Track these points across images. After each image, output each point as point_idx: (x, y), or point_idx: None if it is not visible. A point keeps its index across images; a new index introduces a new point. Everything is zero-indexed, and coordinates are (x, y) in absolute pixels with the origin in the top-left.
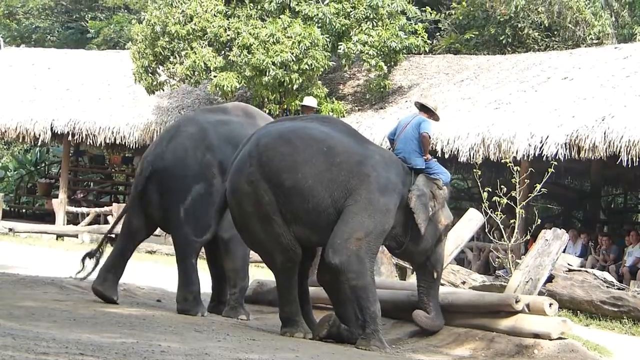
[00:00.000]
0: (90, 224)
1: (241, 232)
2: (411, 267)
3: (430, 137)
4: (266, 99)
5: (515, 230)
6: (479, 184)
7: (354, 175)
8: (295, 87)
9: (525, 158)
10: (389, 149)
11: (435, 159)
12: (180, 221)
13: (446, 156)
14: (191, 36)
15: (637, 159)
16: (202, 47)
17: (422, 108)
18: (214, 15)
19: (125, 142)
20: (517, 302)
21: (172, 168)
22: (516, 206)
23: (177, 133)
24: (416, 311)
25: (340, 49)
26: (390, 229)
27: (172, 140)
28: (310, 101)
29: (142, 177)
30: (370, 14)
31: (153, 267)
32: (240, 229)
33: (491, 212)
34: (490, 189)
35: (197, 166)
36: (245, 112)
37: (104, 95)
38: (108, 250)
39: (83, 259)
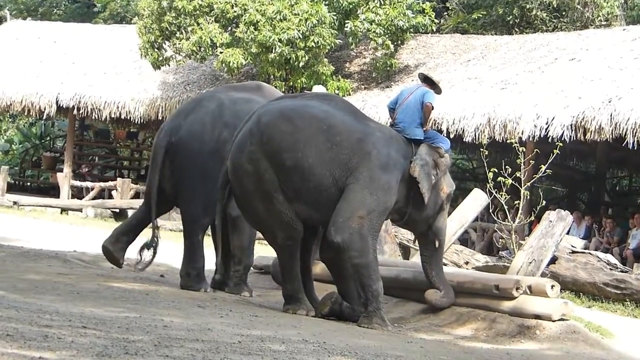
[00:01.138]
0: (94, 198)
1: (243, 210)
2: (414, 247)
3: (433, 108)
4: (272, 76)
5: (520, 211)
6: (484, 164)
7: (355, 154)
8: (301, 64)
9: (530, 139)
10: (388, 118)
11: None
12: (190, 197)
13: (451, 136)
14: (198, 12)
15: None
16: (208, 23)
17: (425, 80)
18: None
19: (130, 117)
20: (517, 289)
21: (187, 142)
22: (521, 187)
23: (196, 107)
24: (428, 291)
25: (347, 26)
26: (391, 207)
27: (190, 115)
28: (319, 89)
29: (160, 148)
30: None
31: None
32: (243, 207)
33: (496, 192)
34: (495, 170)
35: (213, 143)
36: (269, 93)
37: (109, 70)
38: (173, 236)
39: (140, 251)
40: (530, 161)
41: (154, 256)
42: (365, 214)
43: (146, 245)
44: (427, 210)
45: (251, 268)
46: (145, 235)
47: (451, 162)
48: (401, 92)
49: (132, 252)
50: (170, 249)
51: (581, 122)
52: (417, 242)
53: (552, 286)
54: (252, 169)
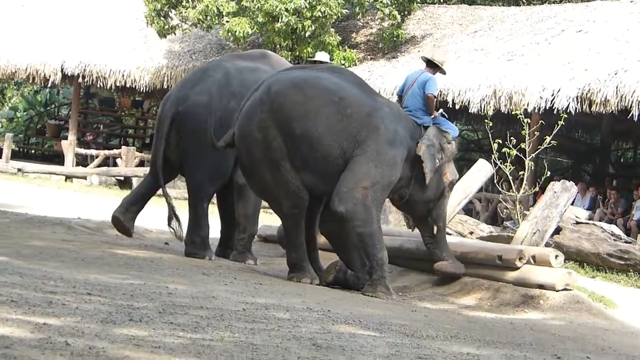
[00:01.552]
0: (98, 166)
1: (249, 178)
2: None
3: (435, 97)
4: (278, 46)
5: (524, 182)
6: (489, 135)
7: (364, 127)
8: (307, 34)
9: (536, 110)
10: (396, 94)
11: (444, 113)
12: (196, 166)
13: (457, 107)
14: None
15: None
16: None
17: (429, 63)
18: None
19: (135, 86)
20: (520, 259)
21: (194, 112)
22: (525, 158)
23: (203, 77)
24: (437, 263)
25: None
26: (395, 182)
27: (197, 84)
28: (322, 56)
29: (166, 117)
30: None
31: (162, 211)
32: (249, 175)
33: (500, 163)
34: (500, 141)
35: (221, 112)
36: (275, 62)
37: (115, 38)
38: (178, 205)
39: (169, 224)
40: (535, 132)
41: (180, 224)
42: (369, 185)
43: (169, 220)
44: (428, 192)
45: (256, 236)
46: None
47: (457, 152)
48: (406, 79)
49: (140, 220)
50: None
51: (587, 94)
52: (417, 228)
53: (556, 256)
54: (261, 137)
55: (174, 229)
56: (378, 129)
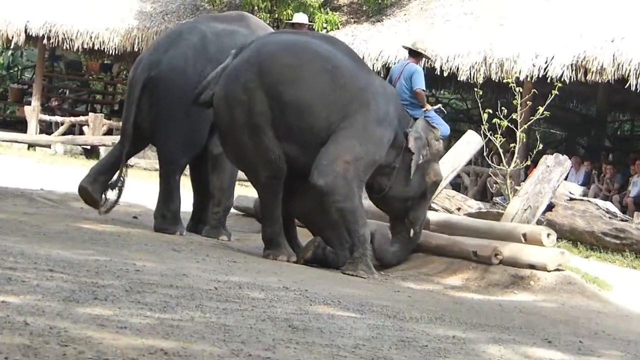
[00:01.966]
0: (64, 134)
1: (226, 144)
2: None
3: (424, 91)
4: (256, 7)
5: (515, 155)
6: (479, 104)
7: (355, 100)
8: None
9: (528, 79)
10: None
11: (443, 109)
12: (168, 135)
13: (445, 74)
14: None
15: None
16: None
17: (412, 52)
18: None
19: (104, 48)
20: (495, 256)
21: (168, 78)
22: (517, 130)
23: (177, 40)
24: (380, 233)
25: None
26: (378, 163)
27: (171, 48)
28: (300, 17)
29: (137, 82)
30: None
31: (130, 183)
32: (227, 140)
33: (490, 135)
34: (490, 111)
35: (196, 78)
36: (254, 24)
37: None
38: (149, 175)
39: (104, 191)
40: (528, 102)
41: (118, 197)
42: (351, 159)
43: (110, 185)
44: (409, 189)
45: (231, 210)
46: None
47: (443, 151)
48: (392, 71)
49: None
50: (145, 189)
51: (582, 62)
52: (391, 227)
53: (548, 235)
54: (246, 99)
55: (105, 197)
56: (369, 104)
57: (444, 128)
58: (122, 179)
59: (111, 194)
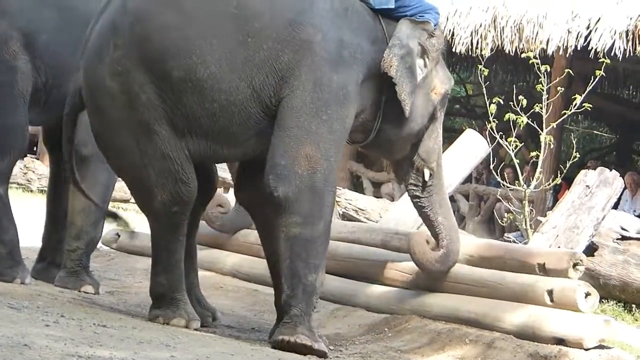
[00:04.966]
0: None
1: (105, 151)
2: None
3: None
4: None
5: (539, 168)
6: (483, 90)
7: (286, 46)
8: None
9: (561, 52)
10: None
11: None
12: None
13: None
14: None
15: None
16: None
17: None
18: None
19: None
20: None
21: None
22: (542, 130)
23: None
24: (416, 238)
25: None
26: (351, 123)
27: None
28: None
29: None
30: None
31: None
32: (104, 147)
33: (501, 137)
34: (501, 100)
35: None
36: None
37: None
38: None
39: None
40: (559, 88)
41: None
42: (314, 148)
43: None
44: (410, 123)
45: (100, 244)
46: None
47: (445, 43)
48: None
49: None
50: None
51: None
52: (395, 176)
53: (587, 293)
54: (119, 87)
55: None
56: (311, 43)
57: (433, 13)
58: None
59: None
